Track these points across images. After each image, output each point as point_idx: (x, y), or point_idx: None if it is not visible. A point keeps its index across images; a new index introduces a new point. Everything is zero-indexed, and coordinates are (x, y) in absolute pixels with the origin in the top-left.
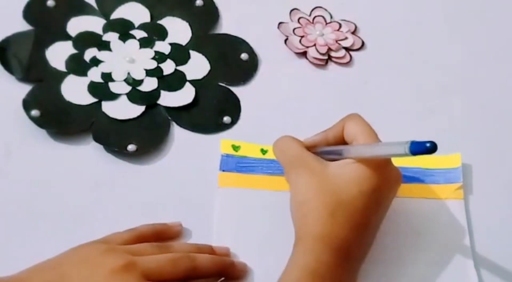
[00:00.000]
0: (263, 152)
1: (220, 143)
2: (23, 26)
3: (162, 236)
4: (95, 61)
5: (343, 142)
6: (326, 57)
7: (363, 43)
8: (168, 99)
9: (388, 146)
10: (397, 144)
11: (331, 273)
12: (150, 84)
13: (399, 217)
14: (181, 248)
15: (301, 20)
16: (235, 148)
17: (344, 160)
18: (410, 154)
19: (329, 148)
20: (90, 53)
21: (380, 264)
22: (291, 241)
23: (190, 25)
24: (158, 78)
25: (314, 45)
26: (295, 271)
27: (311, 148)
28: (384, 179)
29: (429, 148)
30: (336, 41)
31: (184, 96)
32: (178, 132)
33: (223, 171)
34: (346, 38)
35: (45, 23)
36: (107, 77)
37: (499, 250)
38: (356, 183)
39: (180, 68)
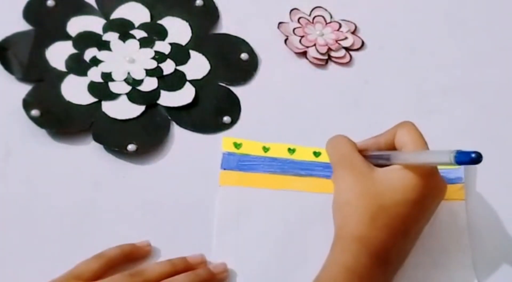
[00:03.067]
0: (265, 149)
1: (222, 141)
2: (23, 26)
3: (131, 257)
4: (95, 61)
5: (394, 148)
6: (326, 57)
7: (363, 43)
8: (168, 99)
9: (433, 154)
10: (442, 153)
11: (368, 274)
12: (150, 84)
13: None
14: (155, 270)
15: (301, 20)
16: (237, 145)
17: (392, 166)
18: (455, 163)
19: (377, 152)
20: (90, 53)
21: None
22: (291, 241)
23: (190, 25)
24: (158, 78)
25: (314, 45)
26: (334, 268)
27: (362, 151)
28: (429, 188)
29: (474, 158)
30: (336, 41)
31: (184, 96)
32: (178, 132)
33: (224, 169)
34: (346, 38)
35: (45, 23)
36: (107, 77)
37: (499, 251)
38: (401, 190)
39: (180, 68)
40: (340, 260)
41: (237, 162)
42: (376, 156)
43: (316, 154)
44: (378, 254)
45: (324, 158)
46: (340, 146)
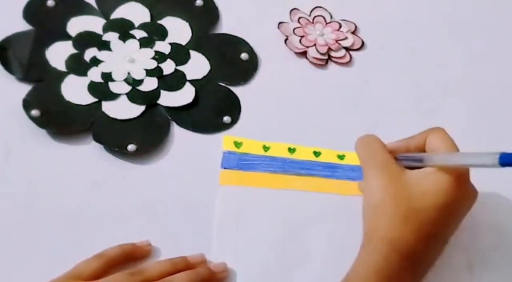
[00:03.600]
0: (265, 148)
1: (222, 139)
2: (23, 26)
3: (131, 257)
4: (95, 61)
5: (423, 151)
6: (326, 57)
7: (363, 43)
8: (168, 99)
9: (474, 156)
10: (485, 154)
11: (397, 276)
12: (150, 84)
13: None
14: (155, 269)
15: (301, 20)
16: (237, 144)
17: (424, 170)
18: (499, 165)
19: (410, 154)
20: (90, 53)
21: None
22: (291, 240)
23: (190, 25)
24: (158, 78)
25: (314, 45)
26: (363, 269)
27: (391, 152)
28: (461, 194)
29: None
30: (336, 41)
31: (184, 96)
32: (178, 132)
33: (224, 168)
34: (346, 38)
35: (45, 23)
36: (107, 77)
37: (499, 251)
38: (433, 194)
39: (180, 68)
40: (370, 261)
41: (237, 161)
42: (408, 157)
43: (316, 154)
44: (408, 257)
45: (324, 158)
46: (370, 146)
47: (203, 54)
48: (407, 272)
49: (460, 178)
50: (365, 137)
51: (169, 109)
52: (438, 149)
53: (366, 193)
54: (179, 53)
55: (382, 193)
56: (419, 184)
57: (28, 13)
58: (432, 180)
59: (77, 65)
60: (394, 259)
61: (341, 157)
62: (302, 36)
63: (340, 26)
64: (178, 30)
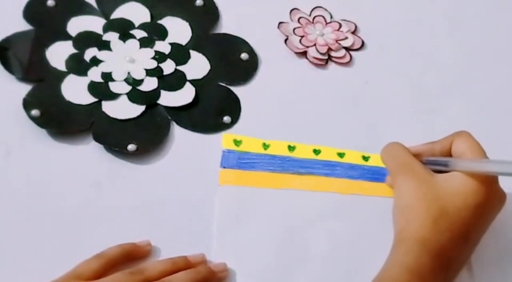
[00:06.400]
0: (265, 146)
1: (222, 137)
2: (23, 26)
3: (131, 257)
4: (95, 61)
5: (449, 156)
6: (326, 57)
7: (363, 43)
8: (168, 99)
9: (502, 164)
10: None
11: (429, 276)
12: (150, 84)
13: None
14: (155, 268)
15: (301, 20)
16: (237, 142)
17: (452, 173)
18: None
19: (435, 158)
20: (90, 53)
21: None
22: (291, 240)
23: (190, 25)
24: (158, 78)
25: (314, 45)
26: (395, 269)
27: (416, 156)
28: (489, 196)
29: None
30: (336, 41)
31: (184, 96)
32: (178, 132)
33: (224, 167)
34: (346, 38)
35: (45, 23)
36: (107, 77)
37: (499, 251)
38: (462, 195)
39: (180, 68)
40: (402, 261)
41: (237, 160)
42: (433, 161)
43: (316, 152)
44: (439, 257)
45: (324, 156)
46: (397, 153)
47: (203, 54)
48: (438, 272)
49: (488, 180)
50: (390, 145)
51: (169, 109)
52: (464, 154)
53: (396, 197)
54: (179, 53)
55: (412, 196)
56: (448, 186)
57: (28, 13)
58: (461, 182)
59: (77, 65)
60: (426, 259)
61: (341, 155)
62: (302, 36)
63: (340, 26)
64: (178, 30)
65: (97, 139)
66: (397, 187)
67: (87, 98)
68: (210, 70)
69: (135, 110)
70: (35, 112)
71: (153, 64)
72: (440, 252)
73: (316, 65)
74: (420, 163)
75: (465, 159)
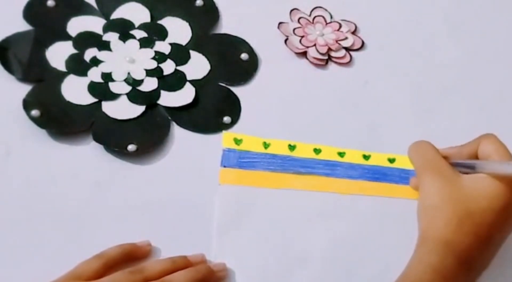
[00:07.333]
0: (266, 145)
1: (222, 136)
2: (23, 26)
3: (132, 257)
4: (95, 61)
5: (476, 158)
6: (326, 57)
7: (363, 43)
8: (168, 99)
9: None
10: None
11: (452, 276)
12: (150, 84)
13: (408, 219)
14: (155, 268)
15: (301, 20)
16: (237, 141)
17: (478, 174)
18: None
19: (462, 160)
20: (90, 53)
21: (385, 267)
22: (291, 240)
23: (190, 25)
24: (158, 78)
25: (314, 45)
26: (419, 268)
27: (445, 158)
28: None
29: None
30: (336, 41)
31: (184, 96)
32: (178, 132)
33: (224, 166)
34: (346, 38)
35: (45, 23)
36: (107, 77)
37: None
38: (487, 198)
39: (180, 68)
40: (426, 260)
41: (237, 159)
42: (461, 163)
43: (317, 151)
44: (463, 258)
45: (324, 155)
46: (425, 152)
47: (203, 54)
48: (461, 273)
49: None
50: (419, 143)
51: (169, 109)
52: (490, 156)
53: (421, 197)
54: (179, 53)
55: (438, 196)
56: (475, 188)
57: (28, 13)
58: (486, 184)
59: (77, 65)
60: (450, 260)
61: (341, 154)
62: (302, 36)
63: (340, 26)
64: (178, 30)
65: (97, 139)
66: (422, 186)
67: (87, 99)
68: (210, 71)
69: (135, 110)
70: (35, 112)
71: (153, 64)
72: (463, 253)
73: (316, 65)
74: (447, 163)
75: (491, 161)
